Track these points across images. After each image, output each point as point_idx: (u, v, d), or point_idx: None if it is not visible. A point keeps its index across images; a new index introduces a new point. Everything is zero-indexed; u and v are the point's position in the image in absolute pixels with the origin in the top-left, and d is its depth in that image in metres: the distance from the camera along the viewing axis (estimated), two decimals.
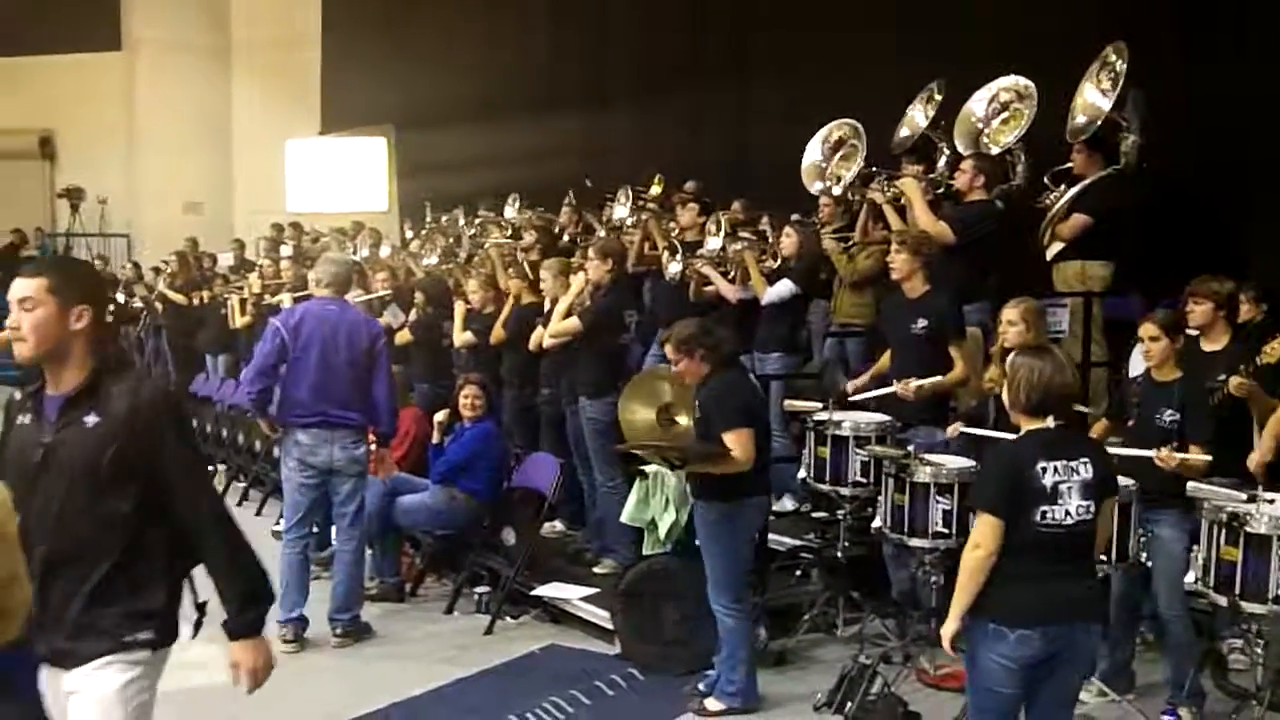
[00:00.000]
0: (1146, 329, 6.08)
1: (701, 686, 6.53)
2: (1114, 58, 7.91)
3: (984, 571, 4.46)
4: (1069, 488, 4.46)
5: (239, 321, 14.44)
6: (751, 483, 6.31)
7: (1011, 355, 4.86)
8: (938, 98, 8.92)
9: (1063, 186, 8.24)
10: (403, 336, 10.90)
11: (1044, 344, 5.38)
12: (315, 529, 7.95)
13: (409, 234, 15.07)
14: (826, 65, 11.73)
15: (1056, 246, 8.32)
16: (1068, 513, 4.45)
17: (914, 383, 6.91)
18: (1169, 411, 5.92)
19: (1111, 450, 6.11)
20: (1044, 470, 4.45)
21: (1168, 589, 5.82)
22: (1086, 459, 4.54)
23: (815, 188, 9.28)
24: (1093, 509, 4.52)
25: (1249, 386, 6.11)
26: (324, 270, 7.84)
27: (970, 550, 4.53)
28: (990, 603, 4.49)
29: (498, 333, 9.60)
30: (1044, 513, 4.43)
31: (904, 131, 9.08)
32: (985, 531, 4.47)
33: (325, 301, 7.66)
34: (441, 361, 10.58)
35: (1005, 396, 4.76)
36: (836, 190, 9.08)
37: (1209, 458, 5.74)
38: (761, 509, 6.74)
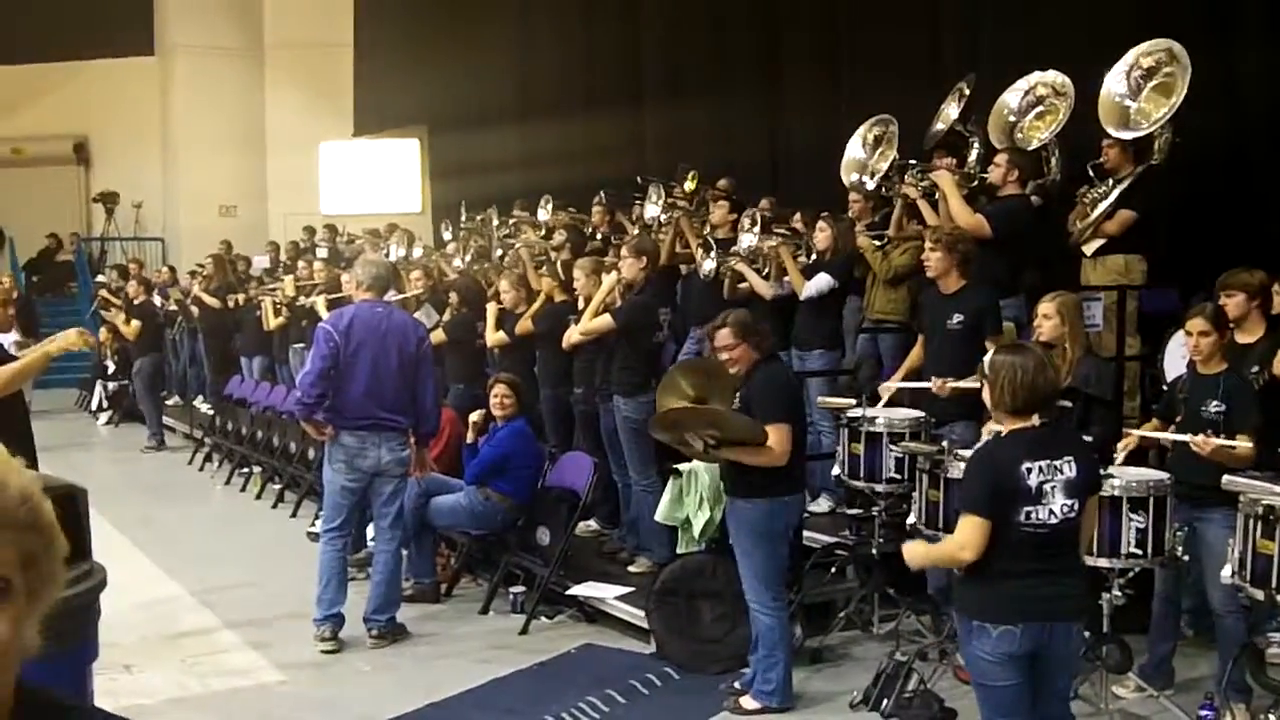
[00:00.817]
0: (1196, 324, 6.03)
1: (738, 685, 6.53)
2: (1176, 62, 7.80)
3: (959, 565, 4.61)
4: (1053, 487, 4.49)
5: (272, 324, 14.53)
6: (788, 480, 6.30)
7: (989, 356, 4.81)
8: (966, 93, 8.91)
9: (1110, 182, 8.17)
10: (436, 337, 10.89)
11: (1022, 342, 5.36)
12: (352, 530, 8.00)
13: (446, 235, 15.10)
14: (858, 64, 11.73)
15: (1097, 242, 8.26)
16: (1052, 512, 4.48)
17: (951, 383, 6.86)
18: (1214, 403, 5.90)
19: (1152, 435, 6.13)
20: (1028, 471, 4.47)
21: (1219, 586, 5.76)
22: (1070, 457, 4.55)
23: (853, 179, 9.27)
24: (1077, 507, 4.54)
25: None
26: (365, 273, 7.79)
27: (956, 551, 4.60)
28: (973, 600, 4.60)
29: (524, 324, 9.61)
30: (1028, 513, 4.46)
31: (938, 126, 9.07)
32: (970, 533, 4.51)
33: (372, 304, 7.62)
34: (476, 362, 10.60)
35: (987, 398, 4.75)
36: (870, 184, 9.05)
37: (1250, 444, 5.70)
38: (798, 506, 6.70)
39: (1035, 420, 4.59)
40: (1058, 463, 4.51)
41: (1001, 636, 4.48)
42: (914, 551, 5.00)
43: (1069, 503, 4.51)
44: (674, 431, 6.43)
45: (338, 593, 7.58)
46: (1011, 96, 8.61)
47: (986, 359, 4.83)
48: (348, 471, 7.49)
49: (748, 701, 6.38)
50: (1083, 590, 4.79)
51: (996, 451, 4.66)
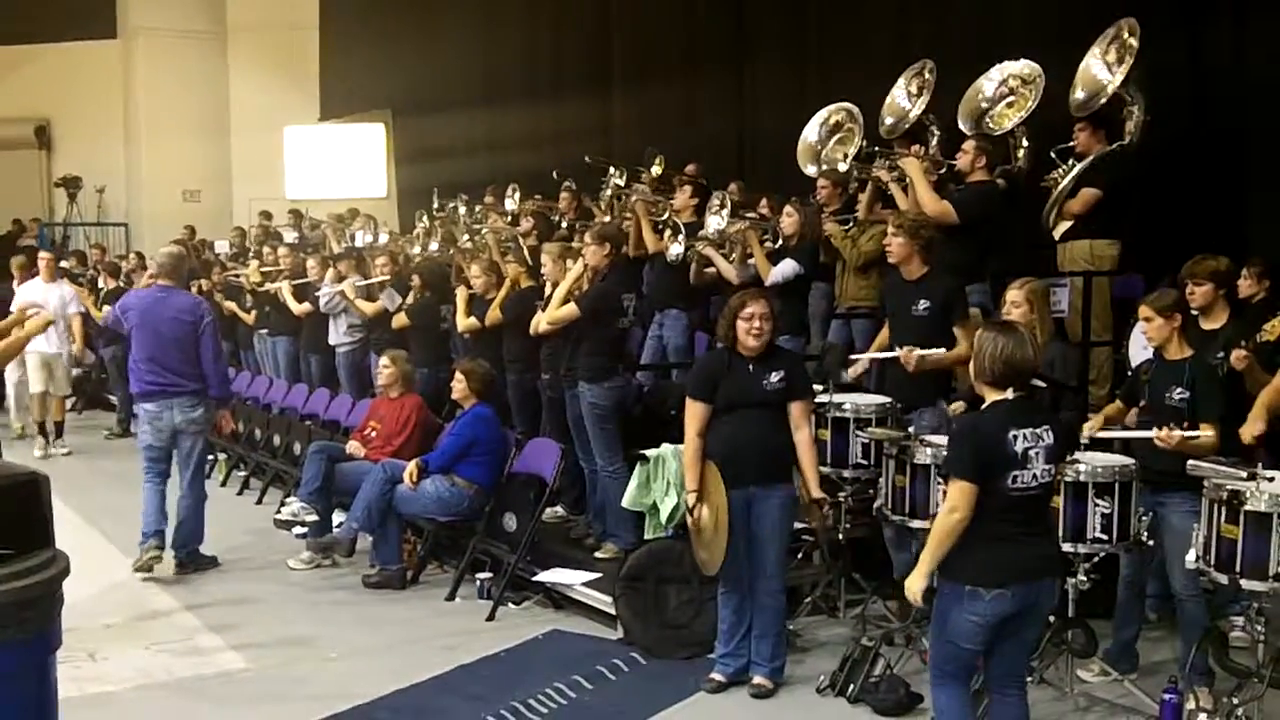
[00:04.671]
0: (1141, 310, 6.11)
1: (719, 677, 6.48)
2: (1127, 35, 7.88)
3: (958, 534, 4.70)
4: (1036, 453, 4.71)
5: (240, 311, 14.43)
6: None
7: (979, 330, 5.02)
8: (929, 77, 8.92)
9: (1071, 161, 8.21)
10: (399, 321, 10.92)
11: (1010, 320, 5.43)
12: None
13: (420, 222, 15.01)
14: (826, 50, 11.74)
15: (1064, 225, 8.29)
16: (1035, 476, 4.71)
17: (917, 351, 6.83)
18: (1179, 390, 5.92)
19: (1112, 434, 6.16)
20: (1015, 438, 4.68)
21: (1182, 571, 5.79)
22: (1048, 425, 4.79)
23: (810, 170, 9.27)
24: (1052, 472, 4.81)
25: (1249, 360, 6.11)
26: (161, 262, 9.06)
27: (947, 514, 4.74)
28: (966, 566, 4.74)
29: (493, 314, 9.63)
30: (1015, 477, 4.67)
31: (889, 119, 9.08)
32: (960, 497, 4.69)
33: (156, 289, 8.96)
34: (440, 347, 10.55)
35: (971, 367, 4.97)
36: (842, 167, 9.05)
37: (1211, 433, 5.74)
38: None
39: (1010, 393, 4.77)
40: (1039, 430, 4.73)
41: (995, 600, 4.68)
42: (917, 573, 4.89)
43: (1048, 468, 4.75)
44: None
45: (159, 518, 8.67)
46: (987, 84, 8.63)
47: (977, 333, 5.01)
48: (153, 433, 8.67)
49: (766, 682, 6.39)
50: (1059, 548, 5.12)
51: (982, 421, 4.85)
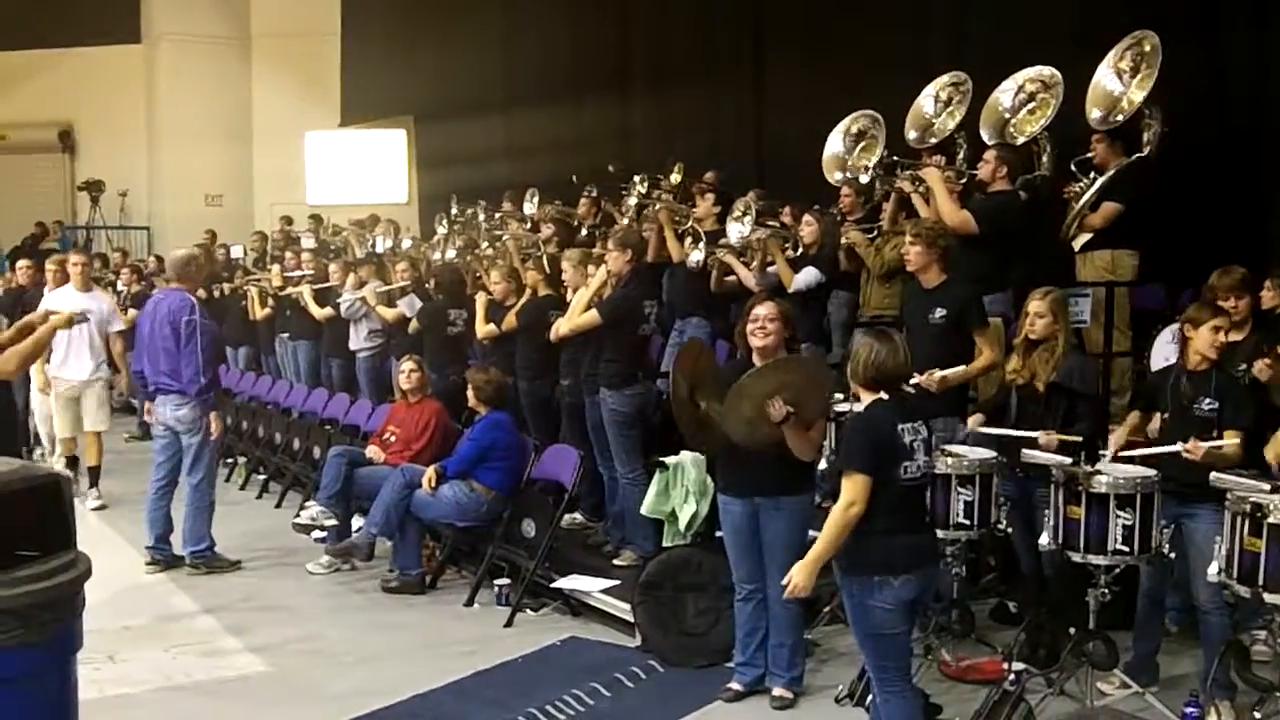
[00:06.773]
0: (1216, 321, 5.97)
1: (737, 686, 6.47)
2: (1148, 48, 7.85)
3: (851, 528, 4.95)
4: (917, 445, 5.07)
5: (259, 314, 14.47)
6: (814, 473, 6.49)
7: (856, 333, 5.24)
8: (964, 89, 8.88)
9: (1092, 175, 8.19)
10: (414, 324, 10.94)
11: (887, 329, 5.60)
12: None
13: (440, 228, 15.03)
14: (845, 56, 11.73)
15: (1085, 237, 8.27)
16: (919, 467, 5.08)
17: (938, 373, 6.81)
18: (1207, 400, 5.90)
19: (1140, 453, 6.11)
20: (902, 431, 5.03)
21: (1204, 584, 5.75)
22: (921, 421, 5.18)
23: (836, 178, 9.26)
24: (931, 463, 5.29)
25: (1275, 370, 6.08)
26: (170, 263, 9.44)
27: (844, 510, 4.95)
28: (872, 558, 4.99)
29: (510, 320, 9.64)
30: (905, 468, 5.01)
31: (913, 132, 9.05)
32: (857, 490, 4.94)
33: (159, 292, 9.66)
34: (449, 350, 10.54)
35: (849, 368, 5.31)
36: (864, 179, 9.04)
37: (1236, 441, 5.71)
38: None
39: (883, 394, 5.11)
40: (916, 425, 5.10)
41: (903, 585, 4.96)
42: (805, 568, 5.11)
43: (928, 459, 5.18)
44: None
45: (163, 527, 9.02)
46: (1004, 96, 8.61)
47: (855, 337, 5.29)
48: (156, 426, 9.06)
49: (784, 692, 6.37)
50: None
51: (875, 415, 5.12)
